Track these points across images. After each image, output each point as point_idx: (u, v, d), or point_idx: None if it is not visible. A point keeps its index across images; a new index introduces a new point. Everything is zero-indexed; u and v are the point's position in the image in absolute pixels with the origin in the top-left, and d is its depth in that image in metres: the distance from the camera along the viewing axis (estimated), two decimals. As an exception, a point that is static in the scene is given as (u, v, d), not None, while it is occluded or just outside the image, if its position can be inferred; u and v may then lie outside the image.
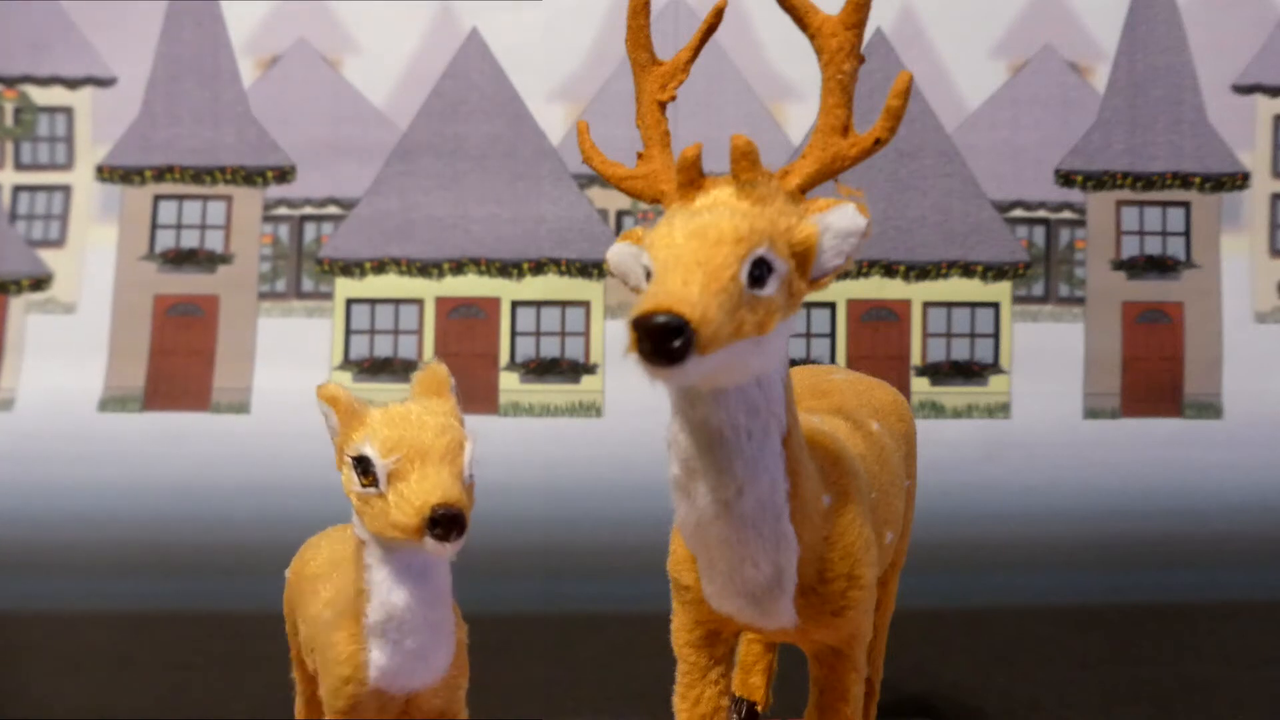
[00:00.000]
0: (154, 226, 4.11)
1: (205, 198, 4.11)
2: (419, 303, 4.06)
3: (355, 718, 1.66)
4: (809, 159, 1.49)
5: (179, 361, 4.04)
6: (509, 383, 4.02)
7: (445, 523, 1.49)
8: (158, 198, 4.11)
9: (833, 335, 4.05)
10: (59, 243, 4.12)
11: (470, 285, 4.05)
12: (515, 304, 4.06)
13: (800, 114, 4.08)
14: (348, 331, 4.07)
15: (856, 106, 1.50)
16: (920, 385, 4.01)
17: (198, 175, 4.09)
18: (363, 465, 1.56)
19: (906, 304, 4.05)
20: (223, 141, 4.09)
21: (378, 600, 1.61)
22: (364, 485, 1.56)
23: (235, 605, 3.18)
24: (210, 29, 4.09)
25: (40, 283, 4.08)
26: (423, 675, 1.65)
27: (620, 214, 4.11)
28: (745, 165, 1.42)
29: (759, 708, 2.23)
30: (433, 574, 1.62)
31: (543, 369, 4.03)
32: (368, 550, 1.62)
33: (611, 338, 4.03)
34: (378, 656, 1.63)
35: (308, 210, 4.11)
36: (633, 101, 1.62)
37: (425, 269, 4.05)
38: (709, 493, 1.46)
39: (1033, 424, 3.94)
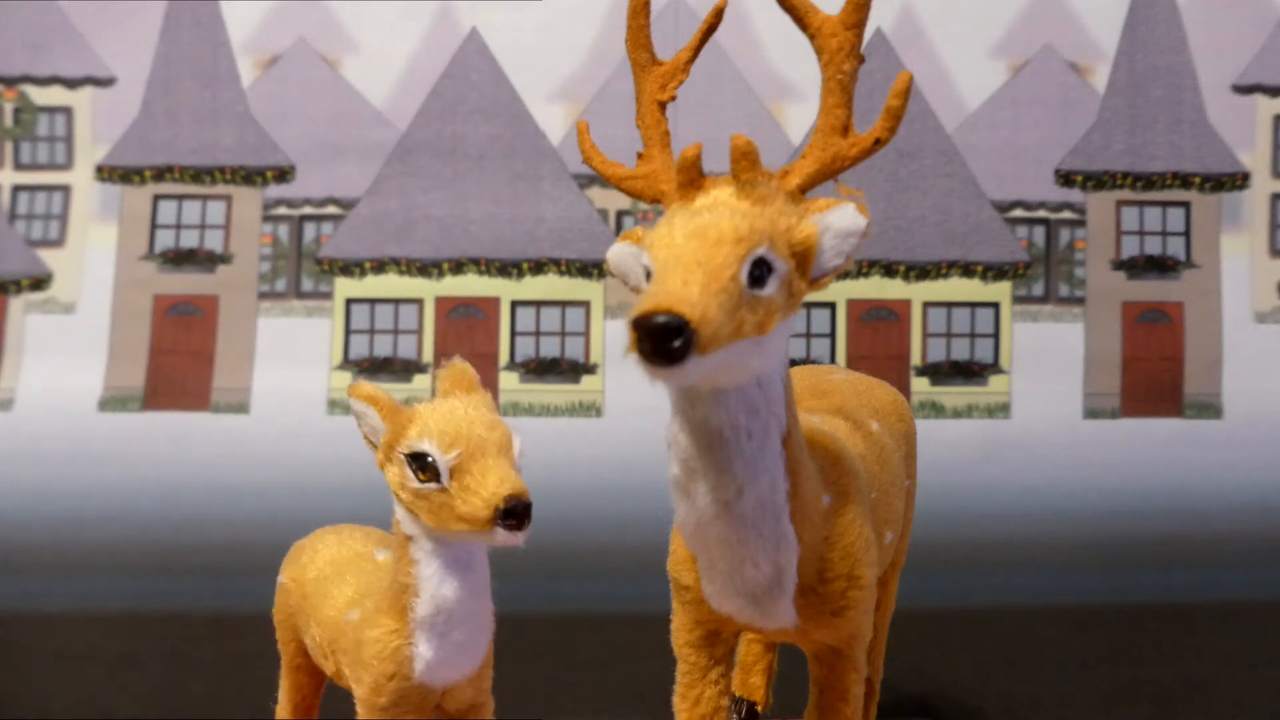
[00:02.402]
0: (153, 226, 4.11)
1: (205, 197, 4.11)
2: (419, 303, 4.06)
3: (395, 714, 1.68)
4: (809, 159, 1.49)
5: (179, 361, 4.03)
6: (509, 383, 4.02)
7: (517, 513, 1.54)
8: (157, 197, 4.11)
9: (833, 335, 4.05)
10: (58, 242, 4.12)
11: (470, 285, 4.05)
12: (515, 304, 4.06)
13: (800, 114, 4.08)
14: (347, 331, 4.07)
15: (856, 106, 1.50)
16: (920, 385, 4.01)
17: (197, 175, 4.09)
18: (419, 461, 1.58)
19: (906, 304, 4.05)
20: (222, 141, 4.09)
21: (428, 594, 1.64)
22: (422, 481, 1.57)
23: (235, 605, 3.17)
24: (210, 29, 4.09)
25: (40, 282, 4.08)
26: (463, 667, 1.68)
27: (620, 214, 4.11)
28: (745, 165, 1.42)
29: (759, 708, 2.23)
30: (477, 566, 1.66)
31: (543, 369, 4.03)
32: (415, 545, 1.64)
33: (611, 338, 4.02)
34: (424, 650, 1.65)
35: (307, 210, 4.11)
36: (633, 101, 1.62)
37: (425, 269, 4.05)
38: (709, 493, 1.46)
39: (1033, 424, 3.94)
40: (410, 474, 1.59)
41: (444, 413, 1.60)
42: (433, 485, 1.57)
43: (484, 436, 1.58)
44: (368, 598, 1.73)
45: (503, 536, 1.55)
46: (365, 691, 1.69)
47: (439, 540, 1.62)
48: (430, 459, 1.57)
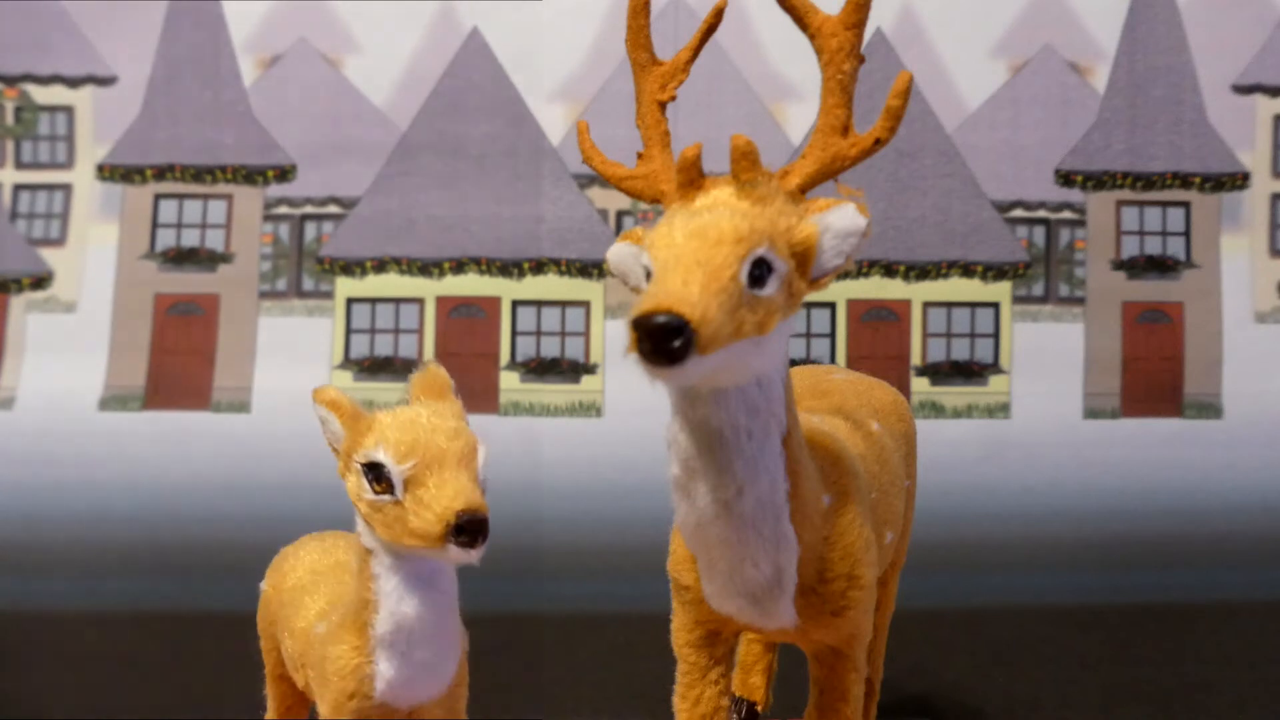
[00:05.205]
0: (154, 225, 4.11)
1: (206, 197, 4.11)
2: (419, 302, 4.06)
3: None
4: (809, 159, 1.49)
5: (179, 360, 4.04)
6: (509, 382, 4.02)
7: (471, 529, 1.45)
8: (158, 197, 4.11)
9: (833, 335, 4.05)
10: (59, 241, 4.12)
11: (470, 285, 4.06)
12: (515, 304, 4.06)
13: (800, 114, 4.08)
14: (348, 331, 4.07)
15: (856, 106, 1.50)
16: (920, 385, 4.01)
17: (198, 174, 4.09)
18: (375, 472, 1.50)
19: (906, 304, 4.05)
20: (223, 141, 4.09)
21: (386, 610, 1.56)
22: (377, 492, 1.50)
23: (235, 605, 3.16)
24: (211, 28, 4.09)
25: (41, 281, 4.08)
26: (429, 687, 1.60)
27: (620, 214, 4.11)
28: (745, 165, 1.42)
29: (759, 708, 2.23)
30: (442, 582, 1.57)
31: (543, 369, 4.03)
32: (375, 559, 1.56)
33: (611, 338, 4.03)
34: (385, 669, 1.58)
35: (308, 209, 4.11)
36: (633, 101, 1.62)
37: (425, 268, 4.05)
38: (709, 493, 1.46)
39: (1033, 424, 3.94)
40: (366, 484, 1.51)
41: (403, 421, 1.51)
42: (387, 497, 1.49)
43: (443, 447, 1.48)
44: (335, 610, 1.65)
45: (455, 554, 1.46)
46: (326, 709, 1.61)
47: (398, 554, 1.54)
48: (385, 469, 1.49)
